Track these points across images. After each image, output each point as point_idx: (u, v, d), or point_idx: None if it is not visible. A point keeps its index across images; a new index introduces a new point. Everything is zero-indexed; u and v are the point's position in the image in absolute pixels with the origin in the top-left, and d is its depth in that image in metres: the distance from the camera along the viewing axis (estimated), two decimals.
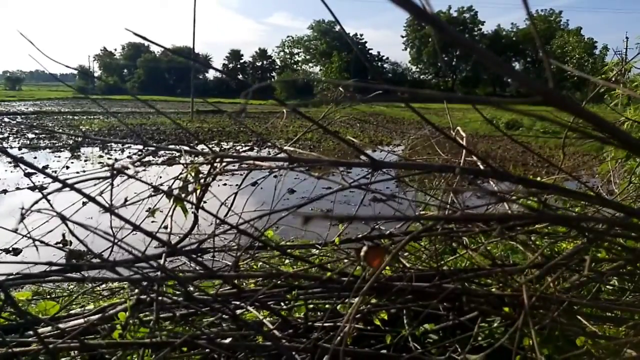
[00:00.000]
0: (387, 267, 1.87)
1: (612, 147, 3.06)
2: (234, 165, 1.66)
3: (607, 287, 1.80)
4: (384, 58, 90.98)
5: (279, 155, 1.27)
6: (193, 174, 1.23)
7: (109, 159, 13.68)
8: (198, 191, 1.32)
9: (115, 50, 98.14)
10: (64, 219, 0.91)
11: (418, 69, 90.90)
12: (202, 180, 1.30)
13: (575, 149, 16.45)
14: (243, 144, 18.78)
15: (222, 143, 17.30)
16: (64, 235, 1.02)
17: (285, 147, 1.50)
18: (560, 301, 1.13)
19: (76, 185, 1.23)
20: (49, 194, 0.89)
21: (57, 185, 1.18)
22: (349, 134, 17.89)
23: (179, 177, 1.23)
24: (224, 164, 1.41)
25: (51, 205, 0.99)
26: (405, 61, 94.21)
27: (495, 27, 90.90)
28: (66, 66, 1.57)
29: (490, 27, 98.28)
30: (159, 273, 1.23)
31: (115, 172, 1.06)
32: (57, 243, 1.55)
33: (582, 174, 13.19)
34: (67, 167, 11.90)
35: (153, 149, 1.24)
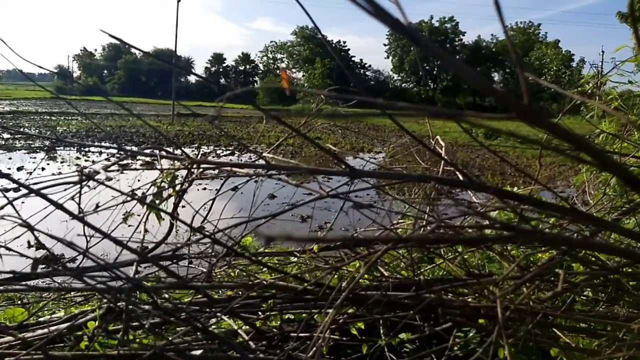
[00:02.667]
0: (365, 276, 1.86)
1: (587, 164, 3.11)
2: (213, 171, 1.63)
3: (581, 297, 1.82)
4: (366, 65, 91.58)
5: (257, 162, 1.24)
6: (169, 180, 1.20)
7: (86, 160, 13.43)
8: (174, 197, 1.29)
9: (96, 50, 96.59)
10: (30, 227, 0.88)
11: (400, 77, 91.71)
12: (178, 187, 1.27)
13: (552, 159, 16.76)
14: (224, 148, 18.64)
15: (202, 147, 17.14)
16: (29, 242, 0.98)
17: (264, 154, 1.48)
18: (535, 313, 1.13)
19: (47, 190, 1.19)
20: (14, 200, 0.85)
21: (32, 188, 1.14)
22: (330, 140, 17.93)
23: (155, 183, 1.20)
24: (201, 169, 1.38)
25: (17, 212, 0.95)
26: (388, 69, 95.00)
27: (475, 37, 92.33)
28: (39, 67, 1.53)
29: (470, 37, 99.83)
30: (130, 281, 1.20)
31: (85, 177, 1.03)
32: (30, 246, 1.50)
33: (558, 184, 13.45)
34: (43, 169, 11.64)
35: (128, 153, 1.21)
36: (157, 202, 1.21)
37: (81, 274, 1.02)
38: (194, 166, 1.21)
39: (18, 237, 1.14)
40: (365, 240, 2.12)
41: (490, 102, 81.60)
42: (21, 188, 1.33)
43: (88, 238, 1.54)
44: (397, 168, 2.55)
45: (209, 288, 1.34)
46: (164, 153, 1.26)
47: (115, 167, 1.35)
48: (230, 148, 18.30)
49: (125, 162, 1.28)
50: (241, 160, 14.94)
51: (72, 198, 1.21)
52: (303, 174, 1.06)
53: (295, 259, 2.13)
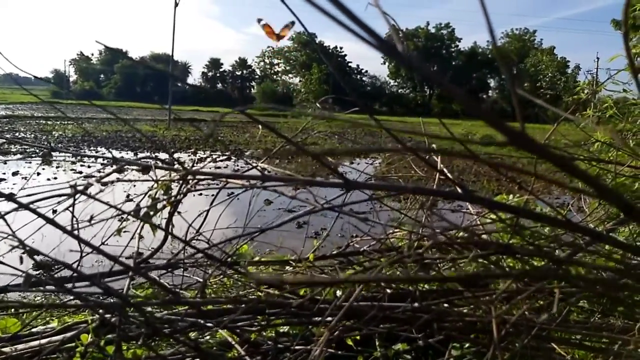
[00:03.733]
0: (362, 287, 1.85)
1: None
2: (208, 182, 1.63)
3: (577, 307, 1.82)
4: (362, 71, 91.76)
5: (252, 173, 1.24)
6: (163, 191, 1.20)
7: (81, 165, 13.38)
8: (168, 208, 1.28)
9: (92, 55, 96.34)
10: (22, 243, 0.87)
11: (396, 83, 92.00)
12: (172, 197, 1.26)
13: (548, 165, 16.82)
14: (220, 153, 18.63)
15: (199, 152, 17.12)
16: (21, 258, 0.97)
17: (260, 164, 1.48)
18: (531, 326, 1.13)
19: (39, 202, 1.18)
20: (5, 214, 0.84)
21: (21, 202, 1.13)
22: (326, 146, 17.95)
23: (149, 194, 1.19)
24: (196, 180, 1.38)
25: (8, 224, 0.94)
26: (384, 75, 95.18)
27: (471, 44, 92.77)
28: (33, 76, 1.52)
29: (467, 43, 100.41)
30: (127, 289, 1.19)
31: (77, 192, 1.02)
32: (21, 262, 1.48)
33: (554, 190, 13.48)
34: (38, 174, 11.59)
35: (123, 163, 1.20)
36: (152, 213, 1.20)
37: (70, 291, 1.00)
38: (189, 176, 1.20)
39: (11, 249, 1.13)
40: (360, 252, 2.12)
41: (486, 108, 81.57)
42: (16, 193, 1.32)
43: (81, 249, 1.53)
44: (393, 177, 2.55)
45: (202, 304, 1.33)
46: (159, 163, 1.25)
47: (109, 178, 1.34)
48: (227, 153, 18.30)
49: (118, 167, 1.27)
50: (237, 165, 14.94)
51: (67, 209, 1.20)
52: (297, 184, 1.06)
53: (291, 268, 2.13)
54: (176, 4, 32.40)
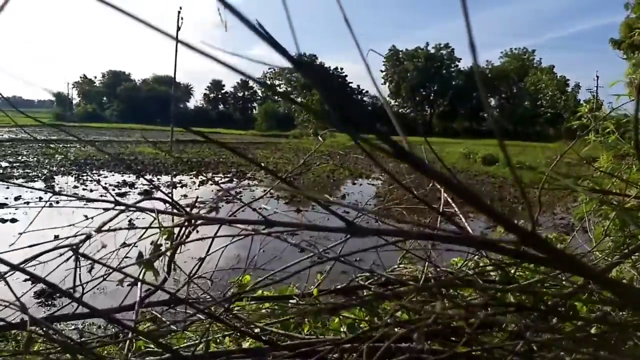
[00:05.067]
0: (363, 322, 1.83)
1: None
2: (217, 201, 1.62)
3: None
4: (363, 91, 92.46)
5: (257, 219, 1.25)
6: (165, 237, 1.19)
7: (83, 189, 13.40)
8: (170, 252, 1.27)
9: (95, 77, 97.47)
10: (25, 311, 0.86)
11: (397, 103, 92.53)
12: (175, 241, 1.25)
13: (549, 185, 16.80)
14: (222, 175, 18.64)
15: (200, 174, 17.15)
16: (19, 302, 0.96)
17: (262, 206, 1.47)
18: None
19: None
20: (5, 275, 0.83)
21: (13, 265, 1.12)
22: (328, 167, 17.95)
23: (151, 242, 1.19)
24: (198, 223, 1.37)
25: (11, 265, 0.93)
26: (385, 95, 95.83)
27: (471, 64, 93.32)
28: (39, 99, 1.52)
29: (466, 63, 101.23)
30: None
31: (79, 245, 1.02)
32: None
33: (558, 209, 13.42)
34: (40, 199, 11.59)
35: (125, 208, 1.20)
36: (153, 260, 1.19)
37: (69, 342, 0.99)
38: (192, 222, 1.19)
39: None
40: (366, 286, 2.09)
41: (487, 128, 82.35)
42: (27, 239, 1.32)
43: (83, 288, 1.52)
44: (396, 207, 2.53)
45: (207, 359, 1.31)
46: (161, 204, 1.25)
47: (107, 227, 1.34)
48: (229, 175, 18.33)
49: (120, 212, 1.27)
50: (239, 187, 14.93)
51: (80, 252, 1.19)
52: (301, 229, 1.06)
53: (294, 302, 2.10)
54: (178, 28, 32.86)
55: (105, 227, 1.25)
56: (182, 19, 33.44)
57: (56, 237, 1.35)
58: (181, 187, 14.74)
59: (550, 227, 10.86)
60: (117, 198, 1.25)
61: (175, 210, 1.36)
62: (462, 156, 27.29)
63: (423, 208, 2.72)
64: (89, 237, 1.05)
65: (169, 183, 15.31)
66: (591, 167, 3.01)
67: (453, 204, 1.98)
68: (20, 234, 1.47)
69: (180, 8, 33.72)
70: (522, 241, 0.54)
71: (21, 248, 1.30)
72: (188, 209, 1.61)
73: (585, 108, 4.12)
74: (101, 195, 12.39)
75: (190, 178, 17.19)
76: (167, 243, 1.20)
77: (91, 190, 13.27)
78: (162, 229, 1.15)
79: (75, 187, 13.60)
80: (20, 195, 11.80)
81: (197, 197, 1.67)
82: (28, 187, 2.09)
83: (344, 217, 1.19)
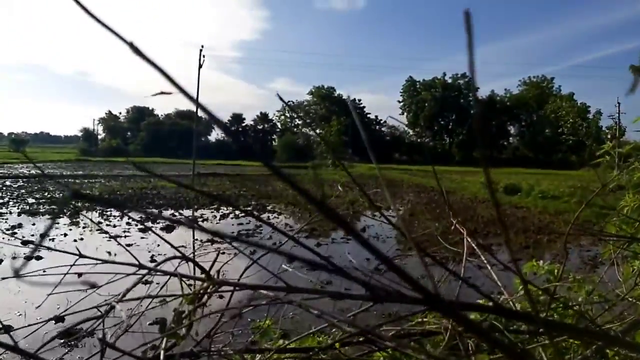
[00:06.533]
0: None
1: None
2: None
3: None
4: (381, 122, 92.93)
5: (277, 285, 1.26)
6: (187, 302, 1.20)
7: (107, 225, 13.61)
8: (192, 314, 1.28)
9: (120, 113, 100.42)
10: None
11: (415, 132, 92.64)
12: (197, 303, 1.27)
13: (574, 215, 16.38)
14: (242, 208, 18.74)
15: (221, 208, 17.30)
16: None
17: (283, 266, 1.47)
18: None
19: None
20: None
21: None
22: (347, 198, 17.92)
23: (173, 310, 1.20)
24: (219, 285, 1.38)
25: None
26: (403, 125, 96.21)
27: (489, 92, 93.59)
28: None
29: (484, 92, 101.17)
30: None
31: (104, 317, 1.04)
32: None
33: (583, 242, 13.06)
34: (65, 235, 11.81)
35: (147, 271, 1.22)
36: (177, 326, 1.20)
37: None
38: (212, 287, 1.21)
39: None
40: (389, 337, 2.06)
41: (507, 156, 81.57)
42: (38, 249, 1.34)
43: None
44: (417, 235, 2.50)
45: None
46: (182, 273, 1.27)
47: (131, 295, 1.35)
48: (249, 208, 18.45)
49: (145, 275, 1.28)
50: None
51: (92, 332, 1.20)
52: (321, 296, 1.06)
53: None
54: (200, 66, 33.85)
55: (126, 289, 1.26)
56: (203, 57, 34.52)
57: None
58: (202, 221, 14.85)
59: (577, 260, 10.58)
60: (141, 262, 1.27)
61: (196, 266, 1.38)
62: (482, 186, 26.97)
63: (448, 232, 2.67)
64: (112, 307, 1.07)
65: (190, 217, 15.44)
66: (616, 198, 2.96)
67: (472, 244, 1.96)
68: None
69: (202, 47, 34.85)
70: (425, 302, 0.54)
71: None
72: (208, 263, 1.63)
73: (608, 145, 4.06)
74: (124, 231, 12.58)
75: (211, 212, 17.33)
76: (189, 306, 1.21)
77: (114, 226, 13.46)
78: (185, 296, 1.17)
79: (100, 222, 13.83)
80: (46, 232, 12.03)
81: (218, 253, 1.68)
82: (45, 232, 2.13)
83: (366, 282, 1.19)
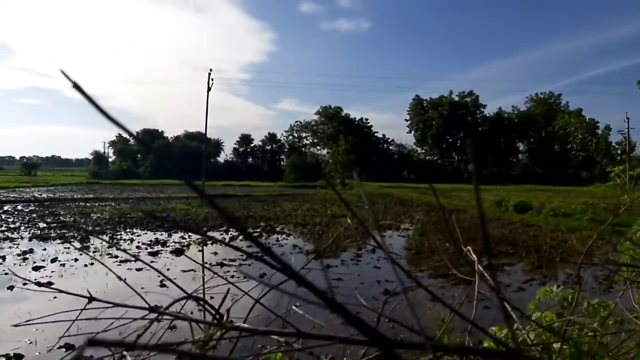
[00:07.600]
0: None
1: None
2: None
3: None
4: (389, 140, 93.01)
5: (287, 330, 1.26)
6: (197, 350, 1.20)
7: (117, 249, 13.64)
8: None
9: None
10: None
11: (423, 150, 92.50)
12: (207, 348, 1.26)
13: (588, 232, 16.18)
14: (251, 229, 18.72)
15: (230, 230, 17.29)
16: None
17: (293, 307, 1.47)
18: None
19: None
20: None
21: None
22: (354, 220, 17.81)
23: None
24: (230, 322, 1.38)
25: None
26: (410, 142, 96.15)
27: (496, 109, 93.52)
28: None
29: (491, 109, 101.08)
30: None
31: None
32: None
33: (597, 259, 12.85)
34: (76, 260, 11.85)
35: (159, 313, 1.22)
36: None
37: None
38: (223, 332, 1.21)
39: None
40: None
41: (516, 172, 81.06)
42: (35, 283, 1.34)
43: None
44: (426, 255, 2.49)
45: None
46: (192, 316, 1.27)
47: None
48: (258, 230, 18.41)
49: (154, 319, 1.28)
50: (269, 241, 14.95)
51: None
52: (333, 343, 1.05)
53: None
54: (209, 89, 34.29)
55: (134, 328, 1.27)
56: (212, 80, 35.02)
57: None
58: (211, 244, 14.85)
59: (590, 279, 10.40)
60: (151, 305, 1.27)
61: (207, 310, 1.38)
62: (493, 204, 26.74)
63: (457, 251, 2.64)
64: (123, 357, 1.07)
65: (200, 240, 15.45)
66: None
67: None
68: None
69: (211, 70, 35.38)
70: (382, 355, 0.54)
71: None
72: (219, 302, 1.63)
73: (619, 168, 4.04)
74: (134, 255, 12.52)
75: (221, 234, 17.34)
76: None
77: (124, 250, 13.50)
78: (194, 343, 1.17)
79: (110, 246, 13.87)
80: (57, 257, 12.08)
81: (228, 290, 1.68)
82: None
83: (378, 331, 1.18)
